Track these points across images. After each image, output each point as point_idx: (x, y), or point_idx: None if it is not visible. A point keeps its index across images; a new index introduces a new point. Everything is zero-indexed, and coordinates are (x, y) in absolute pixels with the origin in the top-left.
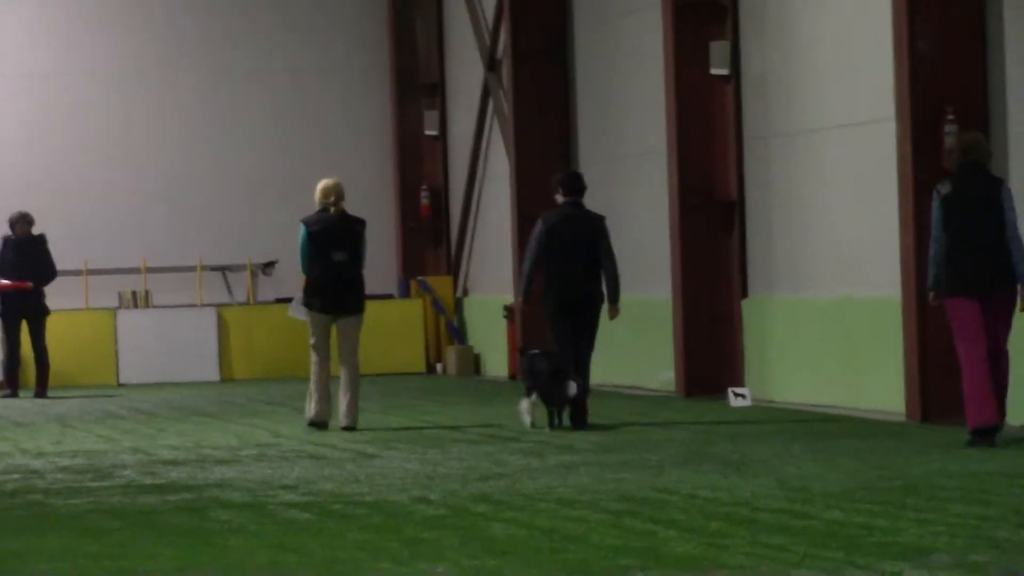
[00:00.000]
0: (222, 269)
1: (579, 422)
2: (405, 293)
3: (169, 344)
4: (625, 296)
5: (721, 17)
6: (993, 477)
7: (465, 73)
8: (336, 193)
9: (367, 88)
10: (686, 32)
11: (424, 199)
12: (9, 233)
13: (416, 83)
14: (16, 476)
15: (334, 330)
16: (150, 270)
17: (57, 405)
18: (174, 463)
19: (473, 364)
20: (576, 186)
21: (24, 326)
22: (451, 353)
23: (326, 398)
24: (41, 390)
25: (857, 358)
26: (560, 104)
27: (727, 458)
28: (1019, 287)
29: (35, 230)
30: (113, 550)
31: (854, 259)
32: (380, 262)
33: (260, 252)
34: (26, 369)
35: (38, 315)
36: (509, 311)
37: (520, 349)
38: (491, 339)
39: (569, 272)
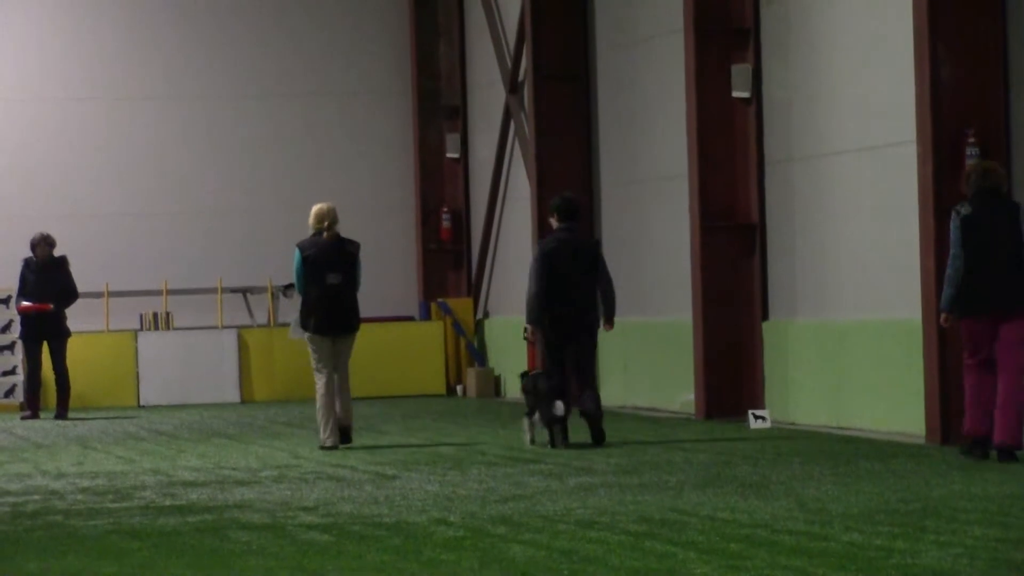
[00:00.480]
0: (243, 291)
1: (599, 438)
2: (426, 315)
3: (190, 366)
4: (646, 318)
5: (743, 41)
6: (1013, 500)
7: (487, 96)
8: (330, 217)
9: (389, 110)
10: (708, 56)
11: (445, 221)
12: (31, 255)
13: (438, 105)
14: (37, 497)
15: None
16: (171, 292)
17: (78, 426)
18: (194, 484)
19: (493, 386)
20: (571, 212)
21: (45, 348)
22: (471, 375)
23: (336, 422)
24: (62, 411)
25: (877, 380)
26: (581, 127)
27: (747, 480)
28: None
29: (56, 252)
30: (133, 571)
31: (875, 282)
32: (401, 284)
33: (281, 274)
34: (47, 391)
35: (59, 337)
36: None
37: (523, 373)
38: (511, 361)
39: (566, 296)
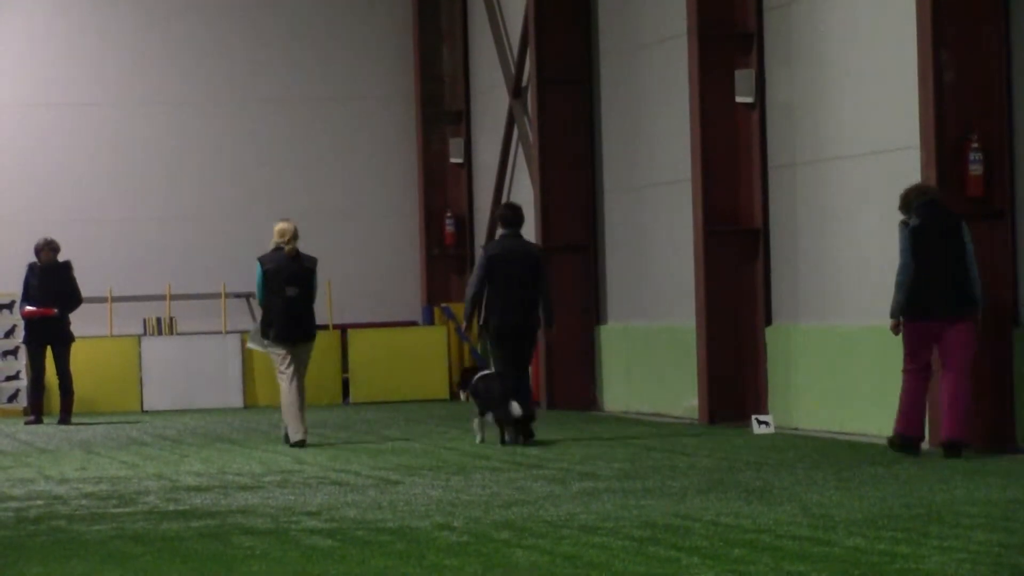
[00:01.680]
0: (246, 296)
1: (528, 436)
2: (429, 320)
3: (193, 371)
4: (649, 323)
5: (746, 45)
6: (1016, 504)
7: (490, 101)
8: (291, 234)
9: (392, 115)
10: (711, 60)
11: (448, 226)
12: (35, 260)
13: (441, 110)
14: (40, 502)
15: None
16: (174, 297)
17: (81, 431)
18: (197, 489)
19: None
20: (515, 219)
21: (49, 353)
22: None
23: (301, 419)
24: (65, 416)
25: (880, 386)
26: (585, 132)
27: (750, 485)
28: (978, 313)
29: (60, 257)
30: None
31: (878, 286)
32: (404, 289)
33: None
34: (50, 396)
35: (63, 342)
36: None
37: (466, 369)
38: None
39: (510, 299)
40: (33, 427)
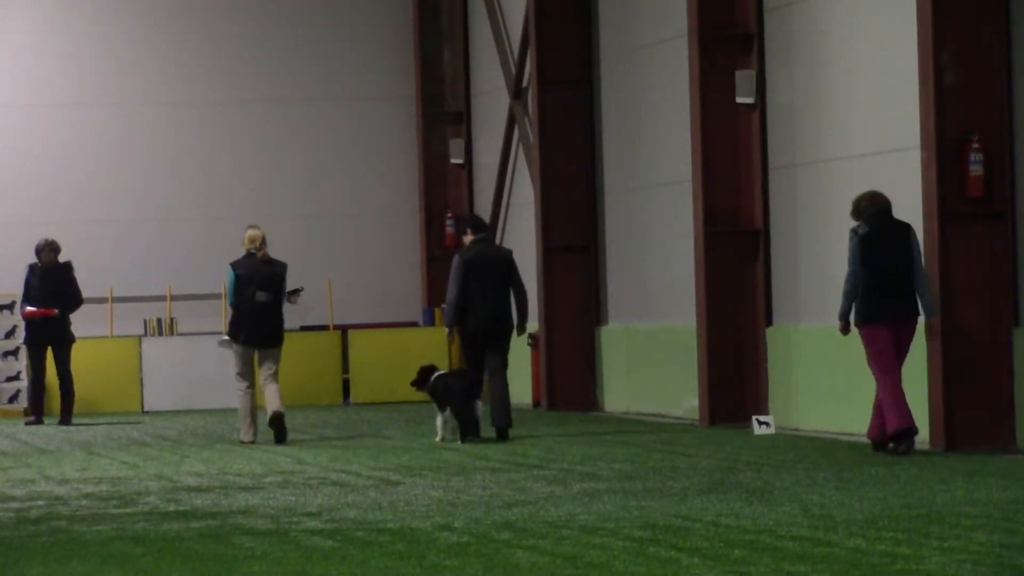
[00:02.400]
0: None
1: (475, 434)
2: (430, 321)
3: (194, 371)
4: (650, 324)
5: (747, 46)
6: (1017, 505)
7: (491, 101)
8: (261, 240)
9: (393, 116)
10: (712, 61)
11: (449, 227)
12: (35, 261)
13: (442, 111)
14: (41, 503)
15: (256, 358)
16: (175, 298)
17: (82, 432)
18: (198, 490)
19: None
20: (483, 225)
21: (49, 353)
22: None
23: (255, 422)
24: (66, 417)
25: None
26: (585, 133)
27: (751, 486)
28: (923, 317)
29: (61, 258)
30: None
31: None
32: (405, 289)
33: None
34: (51, 396)
35: (63, 342)
36: (533, 339)
37: (423, 368)
38: (515, 367)
39: (484, 301)
40: (34, 427)
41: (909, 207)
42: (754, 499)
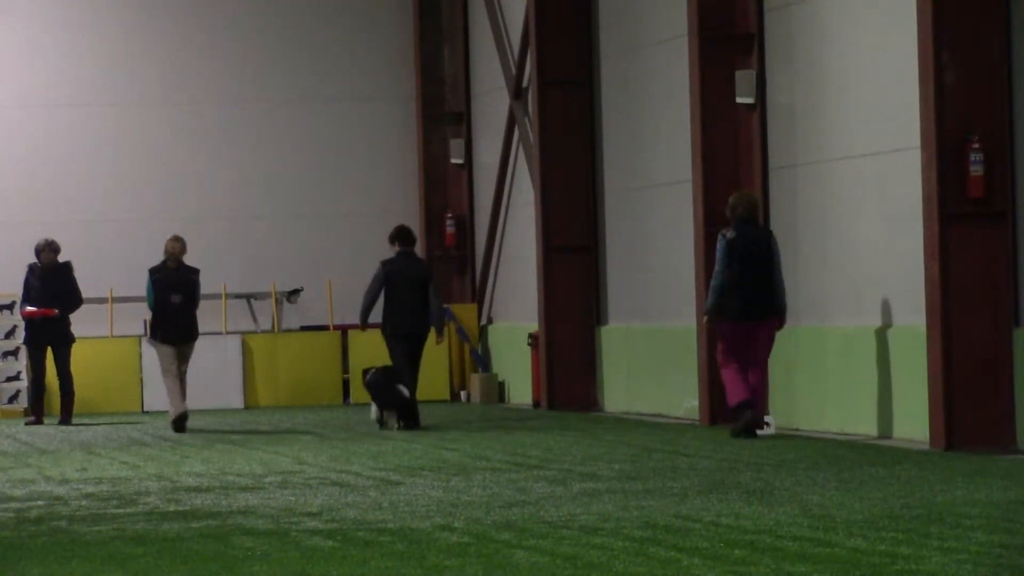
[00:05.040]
0: (247, 296)
1: (414, 423)
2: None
3: (194, 371)
4: (650, 324)
5: (747, 47)
6: (1017, 505)
7: (491, 101)
8: (176, 249)
9: (393, 116)
10: (712, 61)
11: (449, 227)
12: (35, 261)
13: (442, 111)
14: (41, 503)
15: (175, 354)
16: None
17: (82, 432)
18: (198, 490)
19: (497, 392)
20: (408, 239)
21: (49, 353)
22: (475, 381)
23: (181, 398)
24: (66, 417)
25: (881, 387)
26: (586, 133)
27: (751, 486)
28: (778, 316)
29: (61, 258)
30: None
31: (879, 288)
32: None
33: (285, 279)
34: (51, 396)
35: (63, 342)
36: (533, 339)
37: (364, 370)
38: (516, 367)
39: (404, 307)
40: (34, 428)
41: (909, 207)
42: (754, 499)
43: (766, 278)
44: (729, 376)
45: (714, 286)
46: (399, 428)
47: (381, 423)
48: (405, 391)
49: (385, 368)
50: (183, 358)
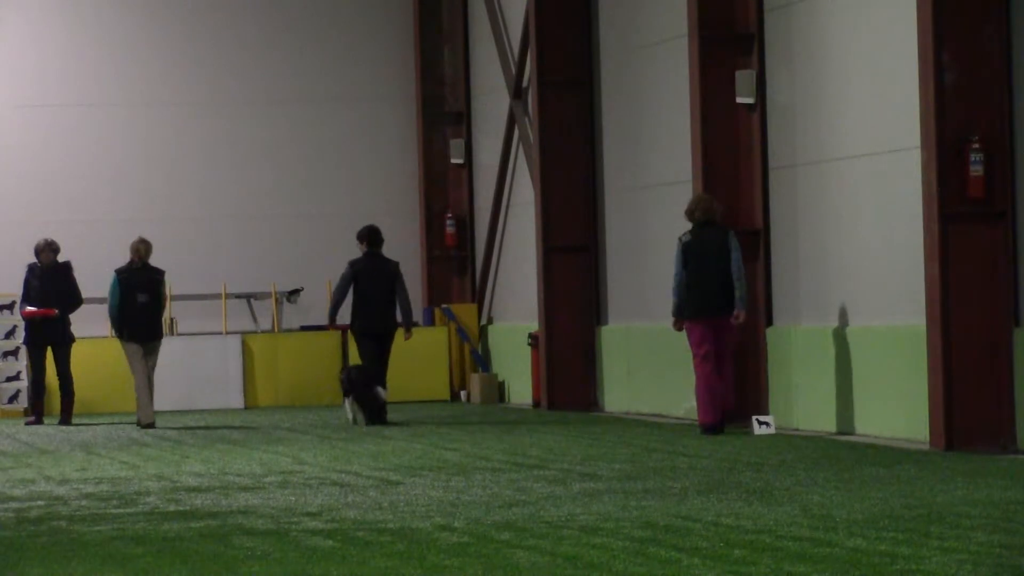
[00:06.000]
0: (247, 296)
1: (381, 420)
2: (430, 321)
3: (194, 371)
4: (650, 324)
5: (747, 46)
6: (1017, 505)
7: (491, 102)
8: (142, 250)
9: (393, 116)
10: (712, 61)
11: (449, 227)
12: (35, 261)
13: (442, 111)
14: (40, 503)
15: (141, 352)
16: (175, 297)
17: (82, 432)
18: (198, 490)
19: (497, 392)
20: (375, 240)
21: (49, 353)
22: (475, 381)
23: (150, 403)
24: (66, 417)
25: (881, 386)
26: (586, 133)
27: (751, 486)
28: (736, 311)
29: (60, 258)
30: None
31: (879, 287)
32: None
33: (285, 279)
34: (51, 396)
35: (63, 342)
36: (533, 339)
37: (342, 368)
38: (516, 367)
39: (372, 305)
40: (34, 428)
41: (909, 207)
42: (754, 499)
43: (722, 276)
44: (700, 392)
45: (674, 288)
46: (367, 424)
47: (355, 421)
48: (383, 394)
49: (361, 368)
50: (150, 358)
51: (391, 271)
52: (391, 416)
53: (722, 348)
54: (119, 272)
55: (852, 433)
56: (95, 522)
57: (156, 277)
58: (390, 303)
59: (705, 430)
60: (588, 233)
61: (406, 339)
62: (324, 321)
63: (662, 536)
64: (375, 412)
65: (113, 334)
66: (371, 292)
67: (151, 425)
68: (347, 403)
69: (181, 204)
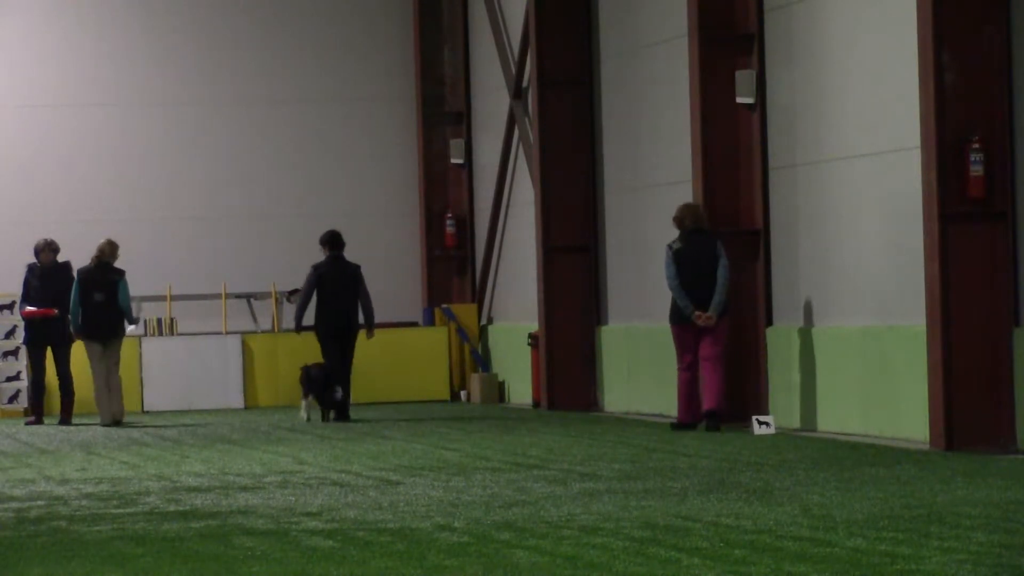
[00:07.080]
0: (247, 296)
1: (344, 417)
2: (430, 321)
3: (194, 371)
4: (650, 324)
5: (747, 47)
6: (1017, 505)
7: (491, 101)
8: (108, 250)
9: (393, 116)
10: (712, 61)
11: (449, 227)
12: (34, 261)
13: (442, 111)
14: (41, 503)
15: (101, 351)
16: (175, 297)
17: (82, 432)
18: (198, 490)
19: (497, 392)
20: (337, 243)
21: (49, 353)
22: (475, 381)
23: (108, 405)
24: (66, 417)
25: (882, 386)
26: (586, 133)
27: (751, 486)
28: (709, 313)
29: (60, 258)
30: None
31: (879, 288)
32: (405, 289)
33: (285, 279)
34: (51, 396)
35: (63, 342)
36: (533, 339)
37: (303, 366)
38: (516, 367)
39: (335, 307)
40: (34, 428)
41: (909, 207)
42: (754, 499)
43: (710, 282)
44: (679, 395)
45: (674, 292)
46: (331, 420)
47: (308, 418)
48: (339, 392)
49: (321, 366)
50: (110, 354)
51: (353, 273)
52: (354, 413)
53: (709, 351)
54: (79, 272)
55: (852, 433)
56: (95, 522)
57: (113, 277)
58: (353, 305)
59: (675, 427)
60: (588, 233)
61: (368, 338)
62: None
63: (662, 536)
64: (338, 411)
65: (73, 333)
66: (335, 294)
67: (118, 423)
68: (304, 403)
69: (181, 204)
